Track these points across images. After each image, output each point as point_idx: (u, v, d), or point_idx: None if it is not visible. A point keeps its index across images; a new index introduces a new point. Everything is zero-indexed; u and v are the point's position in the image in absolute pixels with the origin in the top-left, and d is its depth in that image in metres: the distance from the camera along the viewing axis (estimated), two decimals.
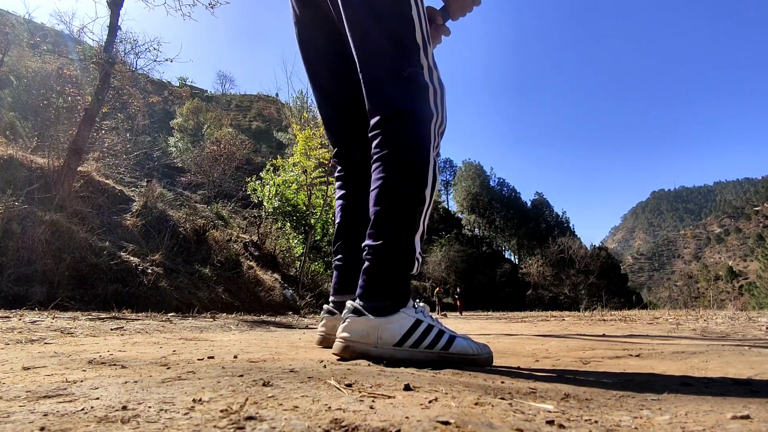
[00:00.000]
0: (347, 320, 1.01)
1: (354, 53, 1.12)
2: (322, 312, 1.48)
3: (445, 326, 1.02)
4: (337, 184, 1.52)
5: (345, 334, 1.00)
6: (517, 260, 68.36)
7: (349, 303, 1.03)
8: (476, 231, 74.28)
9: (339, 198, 1.50)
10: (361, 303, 1.01)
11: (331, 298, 1.46)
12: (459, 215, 77.99)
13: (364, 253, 1.06)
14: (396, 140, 1.04)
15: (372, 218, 1.06)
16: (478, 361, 0.98)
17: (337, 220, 1.48)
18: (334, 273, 1.47)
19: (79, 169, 5.42)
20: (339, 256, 1.46)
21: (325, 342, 1.40)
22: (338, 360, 0.99)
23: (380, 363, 0.92)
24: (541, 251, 46.76)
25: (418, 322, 0.98)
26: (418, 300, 1.02)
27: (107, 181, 6.44)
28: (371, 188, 1.08)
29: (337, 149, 1.48)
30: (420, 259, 1.08)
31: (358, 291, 1.04)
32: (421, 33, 1.08)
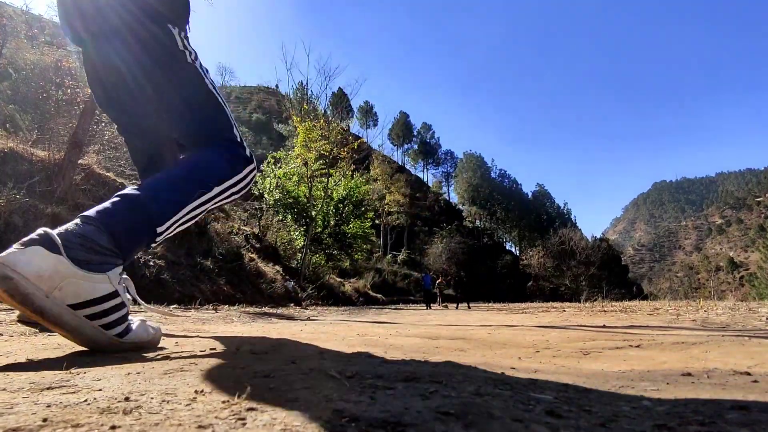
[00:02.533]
0: (29, 248, 0.76)
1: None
2: None
3: (130, 312, 0.95)
4: None
5: (11, 260, 0.74)
6: (518, 252, 68.43)
7: (43, 229, 0.81)
8: (477, 222, 74.35)
9: None
10: (67, 239, 0.80)
11: None
12: (460, 207, 78.17)
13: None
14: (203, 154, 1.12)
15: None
16: (149, 346, 1.00)
17: None
18: None
19: (79, 161, 5.42)
20: None
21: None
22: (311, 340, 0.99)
23: (38, 314, 0.76)
24: (542, 242, 46.73)
25: (113, 295, 0.85)
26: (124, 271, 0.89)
27: (108, 174, 6.43)
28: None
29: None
30: (160, 240, 1.00)
31: (87, 212, 0.87)
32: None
